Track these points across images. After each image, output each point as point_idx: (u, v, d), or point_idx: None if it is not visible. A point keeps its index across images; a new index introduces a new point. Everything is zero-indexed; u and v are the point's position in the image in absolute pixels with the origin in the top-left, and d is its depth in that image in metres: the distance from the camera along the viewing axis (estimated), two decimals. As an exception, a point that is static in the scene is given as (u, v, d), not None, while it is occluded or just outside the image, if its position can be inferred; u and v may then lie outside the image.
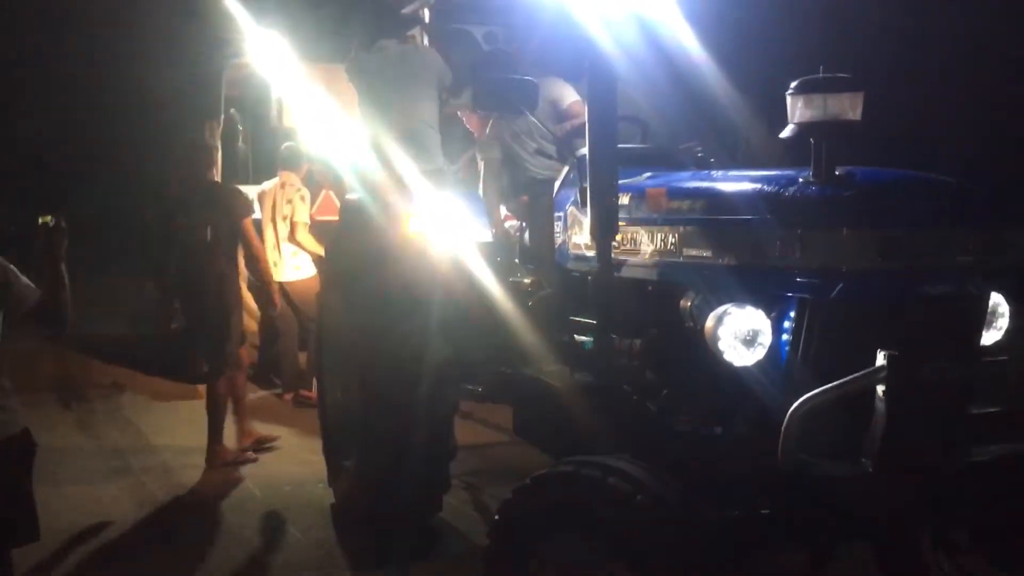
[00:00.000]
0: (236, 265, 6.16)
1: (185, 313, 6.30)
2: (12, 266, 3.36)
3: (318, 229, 7.37)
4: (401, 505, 4.63)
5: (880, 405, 2.61)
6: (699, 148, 4.63)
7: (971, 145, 5.24)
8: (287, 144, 7.58)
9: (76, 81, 10.52)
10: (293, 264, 7.32)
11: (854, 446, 2.78)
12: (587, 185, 3.65)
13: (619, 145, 3.65)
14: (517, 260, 5.04)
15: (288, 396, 7.63)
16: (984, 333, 3.10)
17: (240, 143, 9.09)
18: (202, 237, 5.95)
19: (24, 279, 3.39)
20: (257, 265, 6.20)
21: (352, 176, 5.32)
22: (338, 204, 7.03)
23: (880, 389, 2.60)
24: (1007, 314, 3.20)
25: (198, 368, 7.34)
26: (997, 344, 3.19)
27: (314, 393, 6.97)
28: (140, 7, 9.05)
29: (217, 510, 5.33)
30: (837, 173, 2.87)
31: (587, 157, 3.53)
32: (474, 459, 5.72)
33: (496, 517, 3.09)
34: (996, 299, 3.15)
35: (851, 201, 2.80)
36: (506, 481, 5.42)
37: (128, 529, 5.06)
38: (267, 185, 7.48)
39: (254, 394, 7.79)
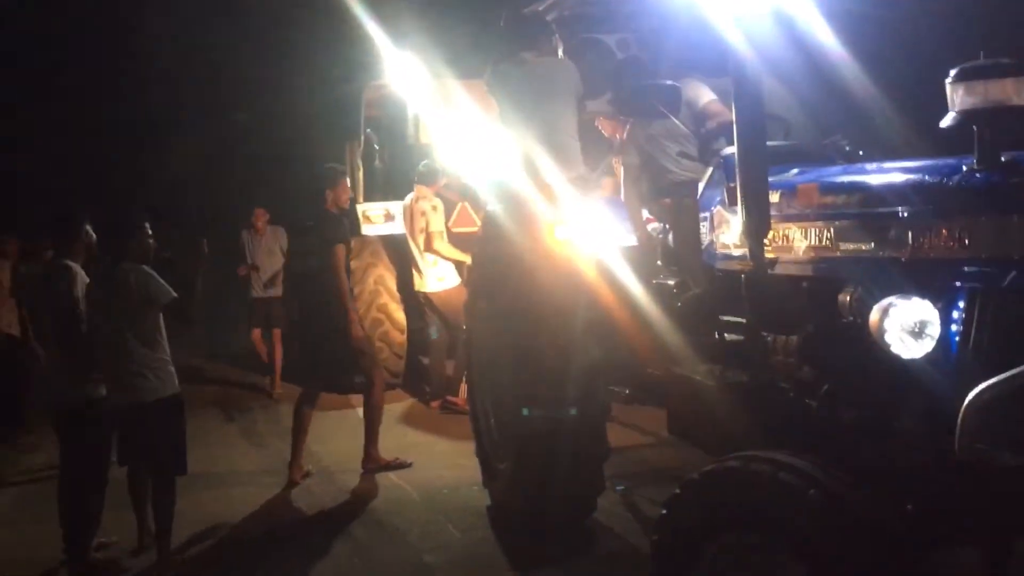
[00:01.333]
0: (342, 291, 6.10)
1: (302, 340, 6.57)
2: (153, 272, 4.67)
3: (457, 241, 7.60)
4: (556, 505, 4.75)
5: (1062, 393, 2.55)
6: (845, 142, 4.59)
7: None
8: (424, 161, 7.85)
9: (225, 107, 11.16)
10: (436, 275, 7.57)
11: None
12: (734, 184, 3.67)
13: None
14: (660, 263, 5.10)
15: (436, 403, 7.87)
16: None
17: (377, 162, 9.44)
18: (305, 266, 6.22)
19: (162, 282, 4.67)
20: (337, 295, 6.02)
21: (492, 187, 5.50)
22: (475, 216, 7.27)
23: (1059, 377, 2.55)
24: None
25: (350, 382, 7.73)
26: None
27: (461, 399, 7.20)
28: (285, 35, 9.54)
29: (378, 513, 5.57)
30: (1003, 159, 2.82)
31: (735, 156, 3.56)
32: (623, 461, 5.78)
33: (663, 512, 3.13)
34: None
35: (1020, 188, 2.75)
36: (656, 482, 5.58)
37: (294, 531, 5.37)
38: (406, 200, 7.77)
39: (399, 402, 8.11)
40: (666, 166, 4.80)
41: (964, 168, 2.89)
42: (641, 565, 4.54)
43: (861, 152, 4.38)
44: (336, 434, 7.32)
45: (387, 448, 6.58)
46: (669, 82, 4.16)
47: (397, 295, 8.38)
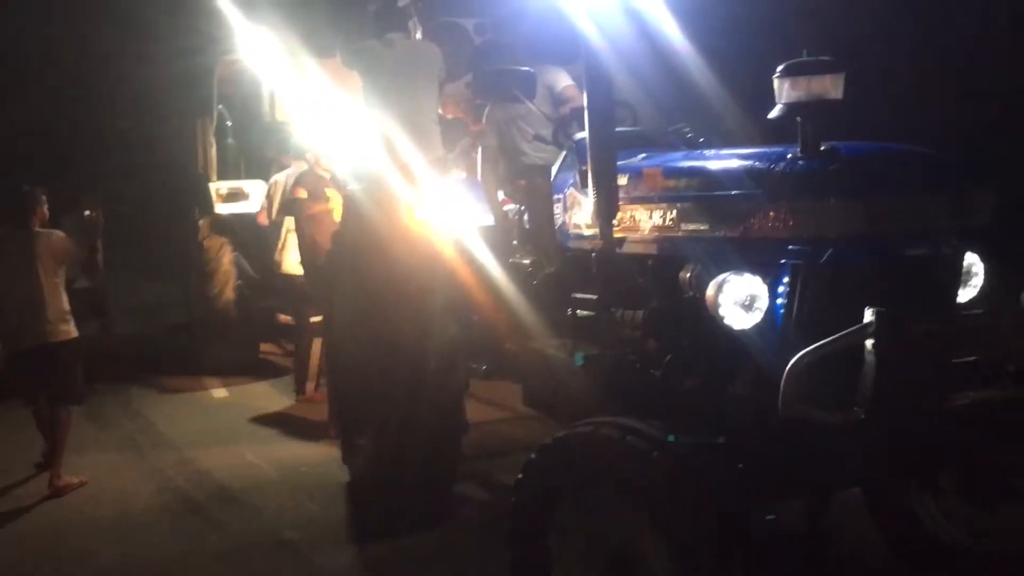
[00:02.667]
0: None
1: None
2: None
3: (317, 220, 7.54)
4: (416, 479, 4.88)
5: (869, 358, 2.86)
6: (687, 129, 4.88)
7: (941, 119, 5.58)
8: (291, 139, 7.74)
9: (64, 74, 10.61)
10: (296, 259, 7.47)
11: (843, 398, 3.04)
12: (587, 168, 3.89)
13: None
14: (516, 242, 5.27)
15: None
16: (960, 290, 3.38)
17: (229, 139, 9.24)
18: None
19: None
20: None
21: (352, 167, 5.54)
22: (331, 195, 7.23)
23: (869, 343, 2.86)
24: (981, 272, 3.48)
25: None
26: (972, 300, 3.47)
27: (309, 394, 7.24)
28: (128, 3, 9.15)
29: (234, 491, 5.55)
30: (822, 148, 3.11)
31: (587, 141, 3.76)
32: (480, 435, 5.95)
33: (521, 475, 3.32)
34: (971, 259, 3.43)
35: (837, 173, 3.05)
36: (511, 454, 5.77)
37: (146, 511, 5.29)
38: (279, 177, 7.62)
39: (259, 382, 8.01)
40: (522, 149, 4.97)
41: (789, 156, 3.17)
42: (496, 531, 4.76)
43: (702, 139, 4.68)
44: (190, 417, 7.20)
45: (247, 431, 6.54)
46: (526, 68, 4.32)
47: (253, 275, 8.27)
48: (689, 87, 4.72)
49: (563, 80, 5.05)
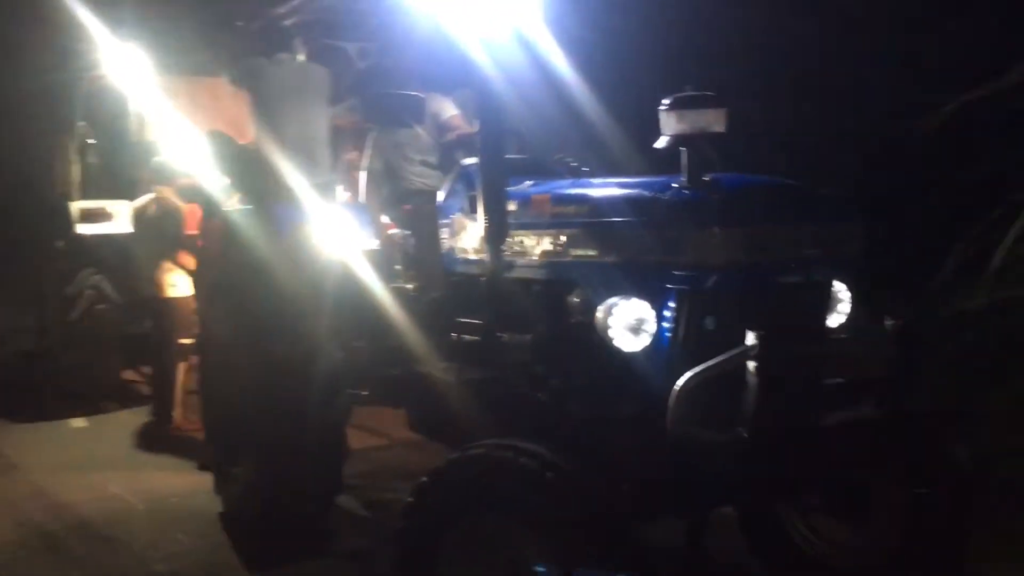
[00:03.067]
0: None
1: None
2: None
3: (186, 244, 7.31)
4: (295, 507, 4.77)
5: (751, 379, 3.01)
6: (570, 159, 5.01)
7: (817, 153, 5.97)
8: (156, 159, 7.49)
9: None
10: (169, 281, 7.19)
11: (725, 419, 3.17)
12: (475, 193, 3.95)
13: (502, 156, 3.94)
14: (398, 267, 5.25)
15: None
16: (828, 316, 3.60)
17: (90, 158, 8.82)
18: None
19: None
20: None
21: (229, 188, 5.42)
22: (202, 218, 7.01)
23: (751, 365, 3.01)
24: (847, 299, 3.71)
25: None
26: (839, 325, 3.69)
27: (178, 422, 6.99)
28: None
29: (98, 525, 5.26)
30: (705, 179, 3.27)
31: (476, 167, 3.82)
32: (359, 461, 5.88)
33: (409, 499, 3.30)
34: (838, 286, 3.66)
35: (719, 204, 3.21)
36: (393, 481, 5.72)
37: (6, 551, 4.94)
38: (140, 201, 7.37)
39: (122, 412, 7.68)
40: (408, 174, 4.98)
41: (674, 185, 3.31)
42: (377, 560, 4.72)
43: (586, 169, 4.81)
44: (45, 446, 6.82)
45: (109, 461, 6.25)
46: (416, 93, 4.35)
47: (115, 298, 7.91)
48: (573, 117, 4.85)
49: (448, 109, 5.10)
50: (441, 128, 5.01)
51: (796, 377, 3.19)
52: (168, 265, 7.12)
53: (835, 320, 3.67)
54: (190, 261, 7.06)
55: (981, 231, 4.56)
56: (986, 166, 4.57)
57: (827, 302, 3.57)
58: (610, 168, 4.84)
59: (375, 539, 4.97)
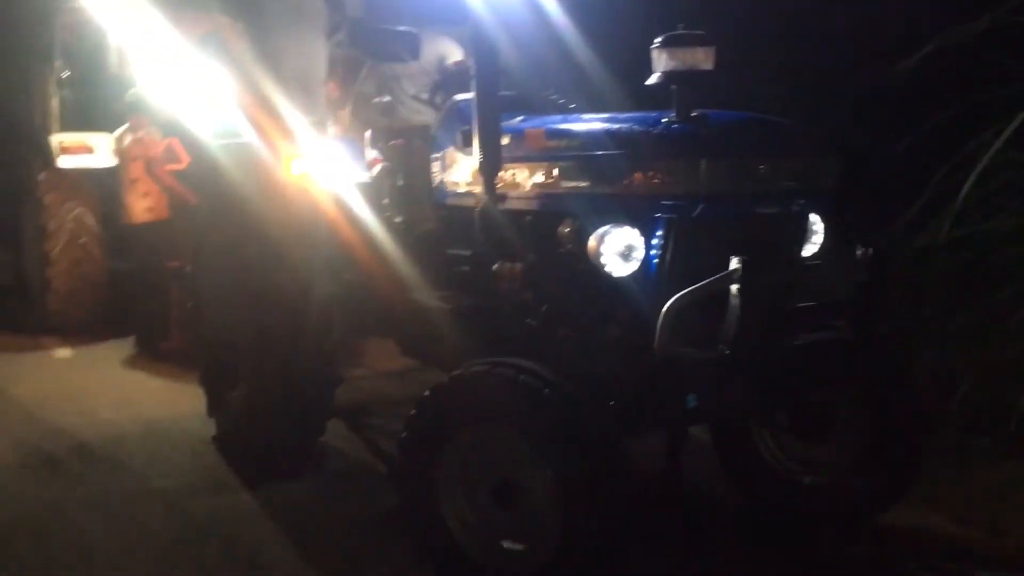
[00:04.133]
0: None
1: None
2: None
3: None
4: (287, 432, 4.98)
5: (734, 300, 3.24)
6: (556, 96, 5.17)
7: (805, 91, 6.20)
8: (132, 91, 7.51)
9: None
10: (145, 206, 7.27)
11: (702, 340, 3.39)
12: (468, 128, 4.10)
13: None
14: (385, 201, 5.39)
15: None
16: (804, 245, 3.85)
17: (65, 91, 8.78)
18: None
19: None
20: None
21: (219, 120, 5.49)
22: (182, 152, 7.07)
23: (734, 288, 3.24)
24: (821, 230, 3.96)
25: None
26: (813, 254, 3.95)
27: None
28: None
29: (94, 447, 5.44)
30: (693, 115, 3.46)
31: (471, 102, 3.97)
32: (348, 391, 6.08)
33: (413, 412, 3.52)
34: (814, 218, 3.90)
35: (708, 137, 3.41)
36: (382, 407, 5.96)
37: (8, 471, 5.11)
38: (118, 131, 7.41)
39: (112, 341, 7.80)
40: (402, 107, 5.10)
41: (664, 120, 3.50)
42: (371, 476, 4.97)
43: (573, 105, 4.98)
44: (33, 376, 6.95)
45: (99, 389, 6.38)
46: (409, 29, 4.47)
47: (97, 231, 7.98)
48: (560, 54, 5.01)
49: (455, 53, 5.19)
50: (446, 69, 5.11)
51: (774, 300, 3.43)
52: (144, 190, 7.18)
53: (809, 250, 3.91)
54: (167, 180, 7.07)
55: (949, 171, 4.83)
56: (959, 107, 4.83)
57: (803, 232, 3.81)
58: (595, 105, 5.01)
59: (365, 458, 5.23)
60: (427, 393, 3.47)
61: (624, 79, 4.43)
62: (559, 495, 3.22)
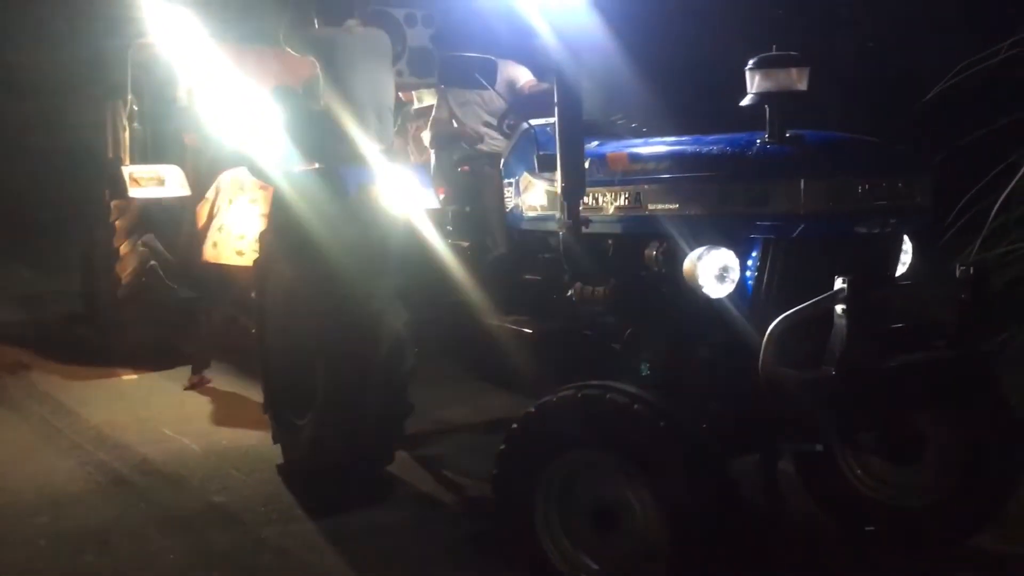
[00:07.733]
0: None
1: None
2: None
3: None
4: (357, 458, 4.95)
5: (840, 321, 3.20)
6: (624, 120, 5.16)
7: (889, 111, 6.15)
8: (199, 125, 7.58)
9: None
10: (236, 248, 7.23)
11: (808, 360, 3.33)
12: (543, 153, 4.11)
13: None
14: (449, 227, 5.38)
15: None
16: (898, 263, 3.81)
17: (135, 124, 8.86)
18: None
19: None
20: None
21: (290, 152, 5.54)
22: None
23: (839, 308, 3.20)
24: (910, 249, 3.91)
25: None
26: (903, 274, 3.90)
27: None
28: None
29: (157, 463, 5.50)
30: (788, 135, 3.45)
31: (553, 127, 3.97)
32: (418, 417, 6.04)
33: (513, 427, 3.42)
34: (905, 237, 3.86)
35: (806, 156, 3.38)
36: (450, 436, 5.91)
37: (76, 485, 5.18)
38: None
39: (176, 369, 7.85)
40: (474, 134, 5.13)
41: (758, 141, 3.49)
42: (439, 505, 4.92)
43: (644, 129, 4.97)
44: (101, 398, 7.04)
45: (164, 411, 6.48)
46: (488, 56, 4.50)
47: (166, 257, 8.03)
48: (626, 79, 5.02)
49: (524, 76, 5.23)
50: (517, 95, 5.14)
51: (876, 320, 3.38)
52: (241, 233, 7.15)
53: (900, 269, 3.87)
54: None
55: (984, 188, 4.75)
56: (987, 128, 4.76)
57: (898, 251, 3.77)
58: (663, 128, 5.00)
59: (432, 487, 5.17)
60: (531, 410, 3.38)
61: (689, 101, 4.42)
62: (666, 521, 3.15)
